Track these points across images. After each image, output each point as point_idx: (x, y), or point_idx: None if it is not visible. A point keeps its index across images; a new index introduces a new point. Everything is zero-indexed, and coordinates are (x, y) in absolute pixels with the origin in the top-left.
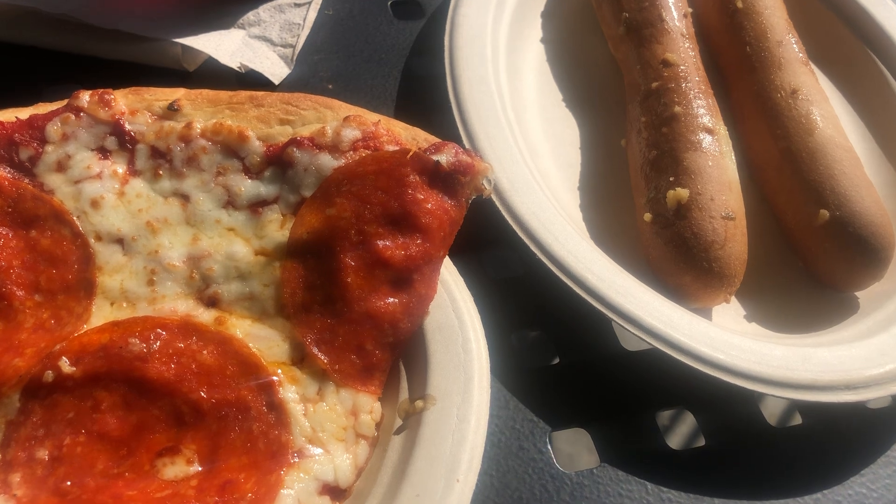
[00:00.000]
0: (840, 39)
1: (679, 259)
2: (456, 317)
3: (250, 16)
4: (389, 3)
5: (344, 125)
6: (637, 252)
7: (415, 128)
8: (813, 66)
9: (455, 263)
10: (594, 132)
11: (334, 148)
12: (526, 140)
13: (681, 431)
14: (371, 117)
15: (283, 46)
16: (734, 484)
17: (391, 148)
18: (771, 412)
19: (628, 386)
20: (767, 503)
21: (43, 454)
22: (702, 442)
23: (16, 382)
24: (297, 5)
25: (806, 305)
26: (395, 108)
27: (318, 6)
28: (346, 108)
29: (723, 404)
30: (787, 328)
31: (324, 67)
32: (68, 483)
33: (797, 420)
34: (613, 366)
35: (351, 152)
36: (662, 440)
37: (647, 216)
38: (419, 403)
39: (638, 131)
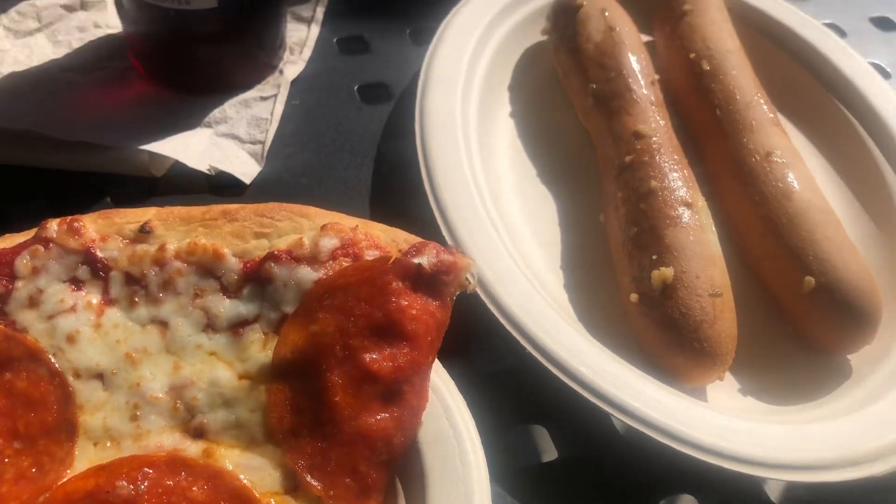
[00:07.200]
0: (806, 89)
1: (670, 341)
2: (451, 426)
3: (216, 113)
4: (356, 87)
5: (322, 234)
6: (625, 331)
7: (394, 229)
8: (783, 120)
9: (443, 361)
10: (572, 207)
11: (313, 259)
12: (504, 222)
13: None
14: (349, 222)
15: (252, 143)
16: None
17: (372, 253)
18: (776, 493)
19: (632, 476)
20: None
21: None
22: None
23: None
24: (264, 98)
25: (800, 374)
26: (371, 198)
27: (285, 98)
28: (322, 215)
29: (728, 488)
30: (783, 399)
31: (295, 161)
32: None
33: (802, 497)
34: (616, 456)
35: (331, 262)
36: None
37: (634, 297)
38: None
39: (615, 207)
